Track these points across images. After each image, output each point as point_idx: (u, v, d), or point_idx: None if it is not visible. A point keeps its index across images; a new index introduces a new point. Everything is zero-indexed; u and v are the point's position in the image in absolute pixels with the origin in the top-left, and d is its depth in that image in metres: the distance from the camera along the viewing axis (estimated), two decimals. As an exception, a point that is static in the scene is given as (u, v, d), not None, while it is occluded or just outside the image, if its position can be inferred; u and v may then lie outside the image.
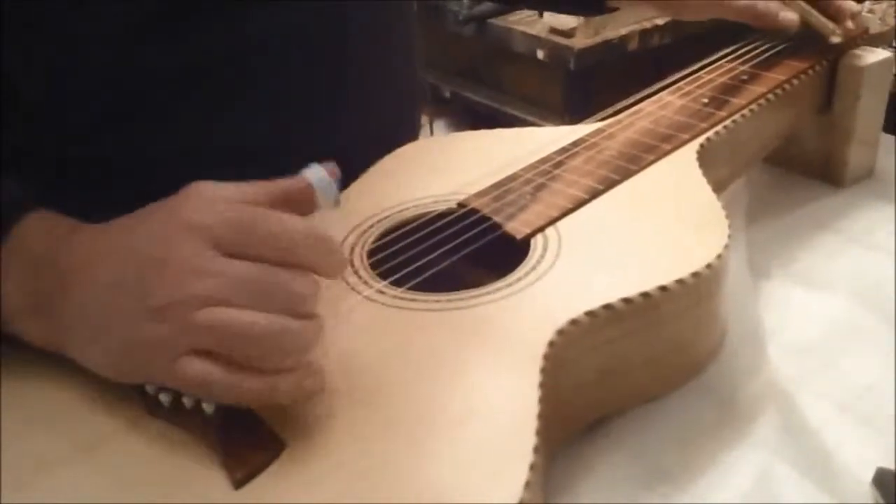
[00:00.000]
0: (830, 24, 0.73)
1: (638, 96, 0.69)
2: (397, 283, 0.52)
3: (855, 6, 0.75)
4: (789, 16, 0.72)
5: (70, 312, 0.45)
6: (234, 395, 0.42)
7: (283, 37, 0.61)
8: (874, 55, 0.72)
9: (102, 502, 0.39)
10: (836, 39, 0.73)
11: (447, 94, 1.96)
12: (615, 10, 0.82)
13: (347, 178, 0.62)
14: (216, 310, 0.41)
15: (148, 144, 0.60)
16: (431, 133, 1.74)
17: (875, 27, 0.78)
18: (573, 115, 1.67)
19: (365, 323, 0.49)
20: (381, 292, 0.51)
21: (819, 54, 0.73)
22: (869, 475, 0.47)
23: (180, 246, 0.43)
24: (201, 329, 0.41)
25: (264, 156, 0.61)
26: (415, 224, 0.57)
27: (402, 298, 0.50)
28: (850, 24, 0.74)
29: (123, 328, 0.43)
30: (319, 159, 0.47)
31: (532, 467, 0.39)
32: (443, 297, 0.50)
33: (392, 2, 0.71)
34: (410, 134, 0.75)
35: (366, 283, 0.52)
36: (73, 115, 0.59)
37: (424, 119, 1.96)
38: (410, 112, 0.78)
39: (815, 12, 0.73)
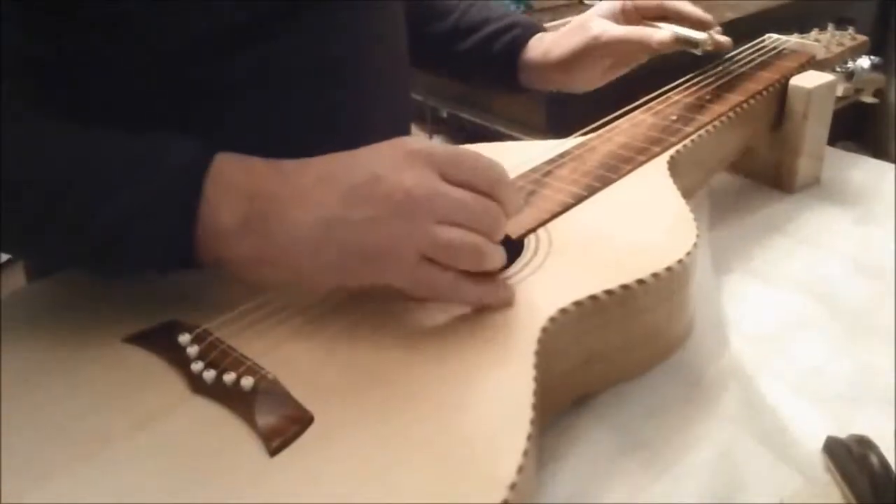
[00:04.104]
0: (700, 35, 0.71)
1: (616, 115, 0.69)
2: None
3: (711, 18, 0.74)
4: (662, 35, 0.70)
5: (288, 230, 0.45)
6: (473, 299, 0.47)
7: (284, 69, 0.58)
8: (819, 79, 0.73)
9: (157, 471, 0.39)
10: (708, 48, 0.71)
11: (444, 115, 1.95)
12: (528, 91, 0.80)
13: None
14: (451, 229, 0.45)
15: None
16: (431, 148, 1.73)
17: (820, 54, 0.78)
18: (553, 132, 1.66)
19: (381, 312, 0.49)
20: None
21: (772, 78, 0.73)
22: (819, 444, 0.47)
23: (412, 168, 0.45)
24: (438, 243, 0.45)
25: None
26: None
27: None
28: (717, 35, 0.72)
29: (353, 236, 0.44)
30: None
31: (529, 438, 0.39)
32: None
33: (387, 26, 0.68)
34: None
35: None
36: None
37: (425, 136, 1.96)
38: (404, 131, 0.76)
39: (682, 29, 0.72)
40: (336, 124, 0.62)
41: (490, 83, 0.84)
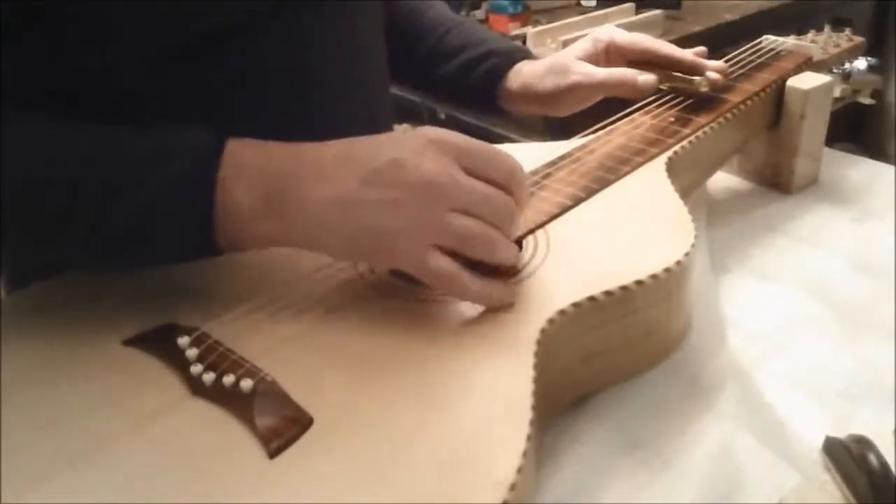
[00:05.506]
0: (694, 78, 0.70)
1: (614, 117, 0.69)
2: (404, 279, 0.51)
3: (717, 63, 0.72)
4: (647, 78, 0.69)
5: (307, 207, 0.46)
6: (474, 295, 0.47)
7: (263, 72, 0.58)
8: (816, 80, 0.73)
9: (156, 472, 0.39)
10: (703, 89, 0.70)
11: (442, 116, 1.96)
12: (508, 112, 0.78)
13: None
14: (466, 218, 0.45)
15: None
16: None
17: (817, 56, 0.78)
18: (552, 134, 1.66)
19: (379, 313, 0.49)
20: (391, 285, 0.51)
21: (769, 79, 0.73)
22: (818, 443, 0.47)
23: (433, 156, 0.45)
24: (453, 231, 0.45)
25: None
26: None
27: (410, 291, 0.50)
28: (712, 74, 0.70)
29: (370, 217, 0.45)
30: None
31: (528, 439, 0.39)
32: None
33: (364, 29, 0.67)
34: None
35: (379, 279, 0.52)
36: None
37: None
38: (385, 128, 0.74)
39: (674, 73, 0.71)
40: (314, 124, 0.62)
41: (470, 107, 0.83)
